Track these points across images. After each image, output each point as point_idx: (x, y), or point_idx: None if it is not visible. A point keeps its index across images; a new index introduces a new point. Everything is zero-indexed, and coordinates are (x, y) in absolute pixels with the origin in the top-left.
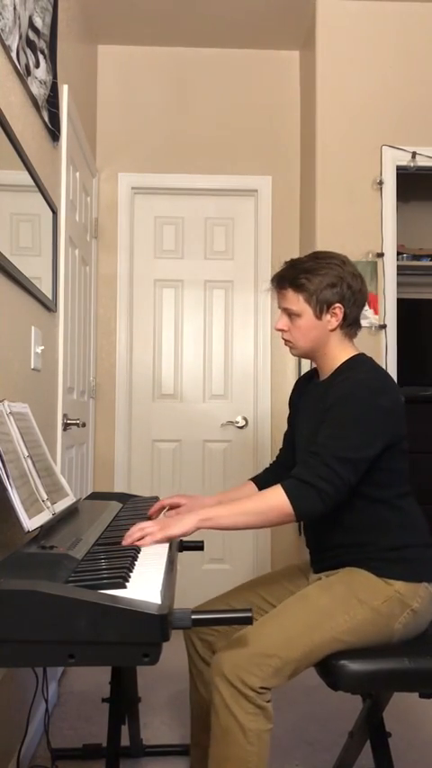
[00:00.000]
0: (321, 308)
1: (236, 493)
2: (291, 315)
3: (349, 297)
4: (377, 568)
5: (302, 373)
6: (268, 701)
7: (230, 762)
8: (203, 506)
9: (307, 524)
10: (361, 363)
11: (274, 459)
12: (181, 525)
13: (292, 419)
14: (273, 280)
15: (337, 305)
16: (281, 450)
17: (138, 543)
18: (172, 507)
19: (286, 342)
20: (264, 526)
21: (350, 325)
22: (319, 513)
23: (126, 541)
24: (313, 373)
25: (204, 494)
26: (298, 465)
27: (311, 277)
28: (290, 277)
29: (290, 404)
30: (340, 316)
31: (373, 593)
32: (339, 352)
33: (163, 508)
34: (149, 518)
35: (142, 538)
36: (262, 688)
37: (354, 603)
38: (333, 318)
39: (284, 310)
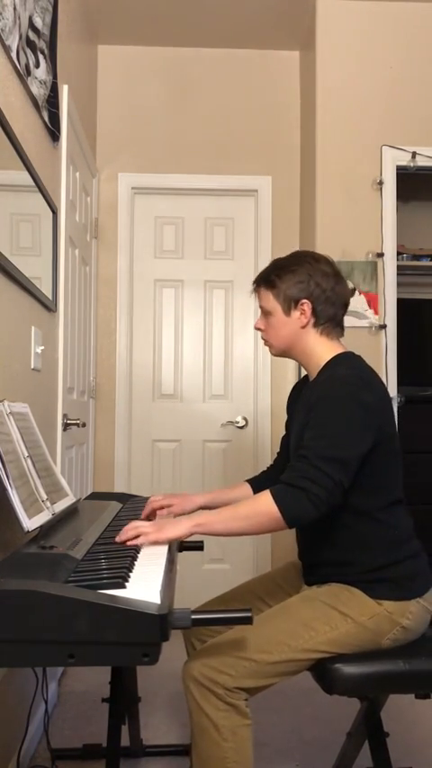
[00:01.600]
0: (289, 305)
1: (229, 493)
2: (266, 313)
3: (318, 294)
4: (365, 589)
5: (302, 372)
6: (242, 700)
7: (210, 759)
8: (194, 504)
9: (297, 536)
10: (343, 361)
11: (272, 462)
12: (176, 529)
13: (288, 424)
14: (253, 282)
15: (304, 301)
16: (278, 454)
17: (131, 542)
18: (162, 508)
19: (265, 342)
20: (257, 532)
21: (325, 324)
22: (312, 517)
23: (120, 538)
24: (306, 378)
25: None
26: (287, 469)
27: (281, 274)
28: (263, 275)
29: (287, 408)
30: (308, 312)
31: (358, 609)
32: (322, 352)
33: (154, 511)
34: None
35: (137, 537)
36: (235, 688)
37: (335, 616)
38: (302, 315)
39: (261, 309)
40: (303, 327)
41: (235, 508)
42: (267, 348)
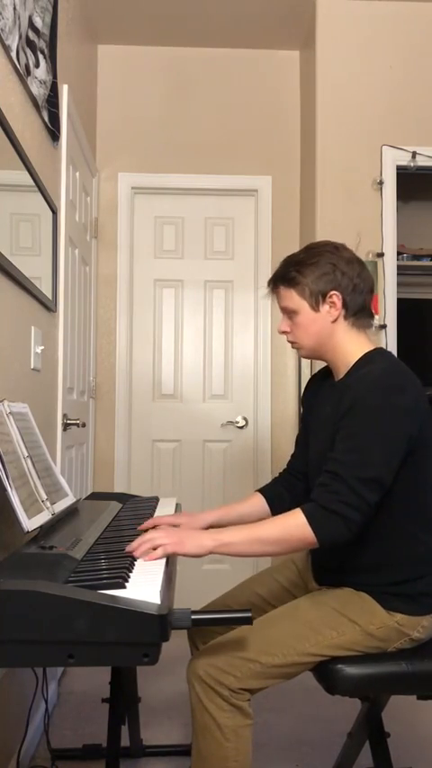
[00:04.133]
0: (317, 299)
1: (241, 507)
2: (290, 313)
3: (346, 283)
4: (380, 599)
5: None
6: (246, 701)
7: (211, 759)
8: (203, 522)
9: None
10: (376, 359)
11: (285, 467)
12: (195, 546)
13: (305, 421)
14: (268, 282)
15: (333, 292)
16: (292, 456)
17: (148, 558)
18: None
19: (292, 344)
20: (282, 554)
21: (356, 315)
22: (345, 540)
23: (137, 553)
24: (328, 372)
25: (204, 494)
26: (318, 487)
27: (302, 269)
28: (281, 274)
29: (303, 404)
30: (339, 304)
31: (368, 618)
32: (352, 348)
33: (155, 525)
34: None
35: (154, 549)
36: (240, 689)
37: (343, 622)
38: (332, 308)
39: (283, 310)
40: (334, 321)
41: (261, 529)
42: (296, 350)
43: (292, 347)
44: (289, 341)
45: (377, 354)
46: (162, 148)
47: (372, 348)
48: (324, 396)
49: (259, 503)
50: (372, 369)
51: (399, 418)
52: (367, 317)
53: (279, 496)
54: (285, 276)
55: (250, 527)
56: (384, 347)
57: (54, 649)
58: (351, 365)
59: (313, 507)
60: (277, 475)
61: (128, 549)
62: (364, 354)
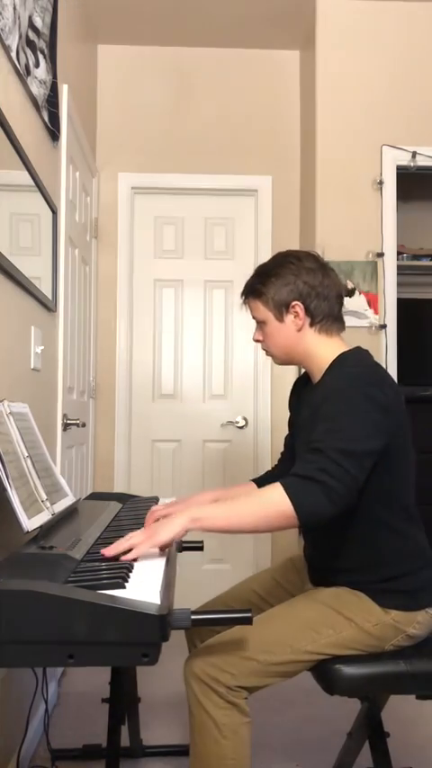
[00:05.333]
0: (280, 310)
1: (235, 491)
2: (260, 324)
3: (308, 292)
4: (374, 596)
5: (302, 371)
6: (243, 699)
7: (208, 757)
8: (199, 503)
9: (304, 536)
10: (351, 358)
11: (276, 463)
12: (169, 530)
13: (291, 423)
14: (240, 294)
15: (295, 303)
16: (282, 453)
17: (124, 558)
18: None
19: (266, 352)
20: (263, 530)
21: (322, 321)
22: (328, 514)
23: (109, 552)
24: (308, 376)
25: None
26: (298, 461)
27: (266, 280)
28: (249, 286)
29: (289, 406)
30: (302, 313)
31: (364, 615)
32: (325, 351)
33: (157, 520)
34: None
35: (129, 550)
36: (237, 686)
37: (340, 620)
38: (296, 318)
39: (254, 320)
40: (300, 330)
41: (238, 501)
42: (271, 359)
43: (267, 355)
44: (263, 349)
45: (351, 355)
46: (162, 148)
47: (347, 349)
48: (305, 399)
49: (252, 489)
50: (347, 367)
51: (376, 409)
52: (335, 322)
53: None
54: (252, 288)
55: (227, 501)
56: (384, 347)
57: (54, 649)
58: (325, 368)
59: (292, 478)
60: (270, 468)
61: (102, 551)
62: (339, 355)
